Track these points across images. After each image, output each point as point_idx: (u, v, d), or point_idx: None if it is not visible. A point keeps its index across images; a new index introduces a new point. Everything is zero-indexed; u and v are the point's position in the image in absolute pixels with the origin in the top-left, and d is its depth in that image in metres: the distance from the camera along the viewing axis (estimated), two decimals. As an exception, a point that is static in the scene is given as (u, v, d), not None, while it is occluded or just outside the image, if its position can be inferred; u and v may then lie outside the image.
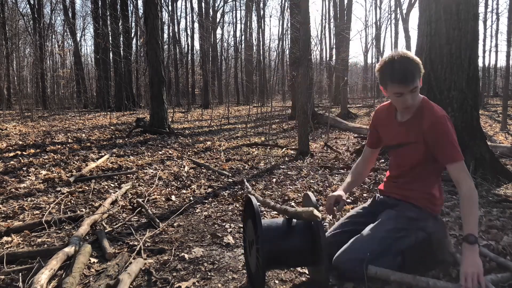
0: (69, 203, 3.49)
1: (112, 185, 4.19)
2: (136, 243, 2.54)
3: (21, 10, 27.98)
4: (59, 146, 6.95)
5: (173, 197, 3.70)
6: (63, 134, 8.84)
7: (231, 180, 4.44)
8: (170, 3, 29.09)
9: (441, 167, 1.90)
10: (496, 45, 30.31)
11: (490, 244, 2.24)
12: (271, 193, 3.81)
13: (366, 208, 2.18)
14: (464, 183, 1.72)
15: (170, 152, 6.52)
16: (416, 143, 1.87)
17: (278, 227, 1.86)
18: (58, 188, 3.98)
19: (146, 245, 2.52)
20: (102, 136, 8.74)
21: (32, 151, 6.31)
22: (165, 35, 28.89)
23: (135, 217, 3.12)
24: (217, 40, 31.71)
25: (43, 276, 1.90)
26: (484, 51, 25.41)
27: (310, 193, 1.92)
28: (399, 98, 1.81)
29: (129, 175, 4.64)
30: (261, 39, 30.85)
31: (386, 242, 1.83)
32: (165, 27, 29.44)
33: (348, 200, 3.44)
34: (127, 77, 20.26)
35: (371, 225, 1.92)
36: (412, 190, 1.97)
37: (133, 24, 24.05)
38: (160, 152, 6.45)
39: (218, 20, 31.99)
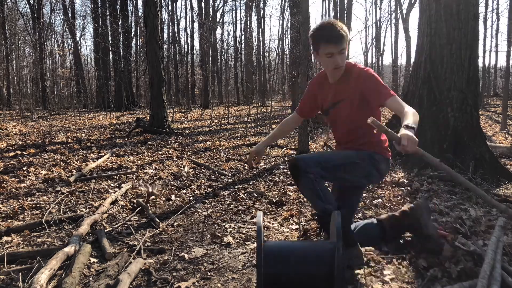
0: (69, 203, 3.49)
1: (112, 185, 4.19)
2: (136, 243, 2.54)
3: (20, 10, 27.95)
4: (59, 146, 6.95)
5: (173, 197, 3.70)
6: (63, 134, 8.83)
7: (231, 180, 4.44)
8: (170, 3, 29.10)
9: (378, 114, 2.13)
10: (496, 45, 30.33)
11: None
12: (271, 193, 3.81)
13: None
14: (404, 107, 1.86)
15: (170, 152, 6.52)
16: (349, 99, 2.11)
17: (289, 249, 1.74)
18: (58, 188, 3.98)
19: (146, 245, 2.52)
20: (102, 136, 8.74)
21: (32, 151, 6.31)
22: (165, 35, 28.88)
23: (135, 217, 3.12)
24: (217, 40, 31.72)
25: (43, 276, 1.90)
26: (484, 51, 25.42)
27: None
28: (330, 59, 2.05)
29: (129, 175, 4.64)
30: (261, 39, 30.87)
31: (345, 160, 2.10)
32: (165, 27, 29.42)
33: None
34: (127, 77, 20.23)
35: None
36: (361, 144, 2.17)
37: (133, 24, 24.04)
38: (160, 152, 6.44)
39: (218, 20, 32.00)
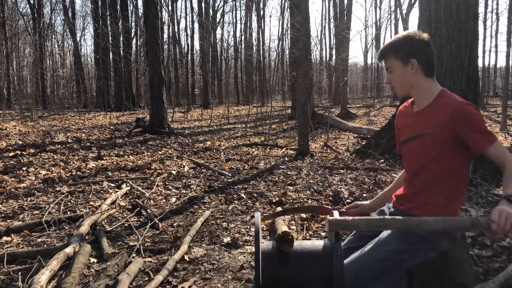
0: (69, 203, 3.49)
1: (112, 185, 4.19)
2: (135, 243, 2.54)
3: (21, 10, 27.98)
4: (59, 146, 6.95)
5: (172, 197, 3.70)
6: (62, 134, 8.83)
7: (231, 180, 4.44)
8: (170, 3, 29.11)
9: (465, 164, 1.61)
10: (496, 45, 30.43)
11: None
12: (271, 193, 3.81)
13: None
14: (507, 161, 1.52)
15: (170, 152, 6.52)
16: (431, 134, 1.59)
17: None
18: (58, 188, 3.98)
19: (146, 245, 2.52)
20: (102, 136, 8.74)
21: (32, 151, 6.31)
22: (165, 35, 28.89)
23: (135, 217, 3.12)
24: (217, 40, 31.73)
25: (44, 276, 1.90)
26: (484, 51, 25.46)
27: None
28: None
29: (129, 175, 4.64)
30: (261, 39, 30.85)
31: (387, 264, 1.56)
32: (165, 27, 29.41)
33: (348, 200, 3.44)
34: (127, 77, 20.24)
35: (372, 243, 1.63)
36: (428, 199, 1.62)
37: (133, 24, 24.04)
38: (160, 152, 6.44)
39: (218, 20, 32.00)
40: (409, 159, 1.72)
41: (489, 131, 1.52)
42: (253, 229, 2.82)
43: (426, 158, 1.61)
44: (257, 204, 3.49)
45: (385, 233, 1.64)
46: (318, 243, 1.63)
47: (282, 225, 2.56)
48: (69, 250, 2.25)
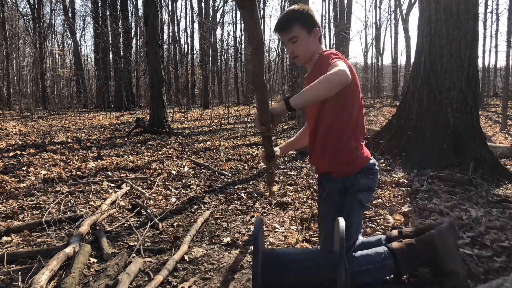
0: (69, 203, 3.49)
1: (112, 185, 4.18)
2: (135, 243, 2.54)
3: (21, 10, 27.97)
4: (59, 146, 6.95)
5: (172, 197, 3.70)
6: (62, 134, 8.83)
7: (231, 180, 4.44)
8: (170, 3, 29.11)
9: (349, 108, 1.69)
10: (496, 46, 30.39)
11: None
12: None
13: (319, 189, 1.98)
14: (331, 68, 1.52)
15: (170, 152, 6.52)
16: None
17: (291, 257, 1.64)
18: (58, 188, 3.98)
19: (146, 245, 2.52)
20: (102, 136, 8.74)
21: (32, 150, 6.31)
22: (165, 35, 28.89)
23: (135, 217, 3.12)
24: (217, 40, 31.73)
25: (44, 276, 1.90)
26: (484, 52, 25.42)
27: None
28: (286, 48, 1.79)
29: (129, 175, 4.64)
30: (261, 39, 30.74)
31: (339, 211, 1.70)
32: (165, 27, 29.41)
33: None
34: (127, 77, 20.23)
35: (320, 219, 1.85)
36: (324, 157, 1.76)
37: (133, 24, 24.03)
38: (160, 152, 6.44)
39: (218, 20, 32.00)
40: (307, 120, 1.92)
41: (333, 58, 1.61)
42: (253, 229, 2.82)
43: (314, 111, 1.77)
44: (257, 204, 3.49)
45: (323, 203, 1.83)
46: (320, 253, 1.62)
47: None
48: (69, 250, 2.25)
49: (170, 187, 4.10)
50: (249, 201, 3.56)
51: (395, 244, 1.82)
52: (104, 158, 5.79)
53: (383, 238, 1.97)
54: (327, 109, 1.72)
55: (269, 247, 2.48)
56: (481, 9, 24.55)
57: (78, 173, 4.71)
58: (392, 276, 1.85)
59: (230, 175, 4.68)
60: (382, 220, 2.89)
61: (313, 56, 1.78)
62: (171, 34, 29.39)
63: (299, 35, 1.73)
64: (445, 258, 1.73)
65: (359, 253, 1.78)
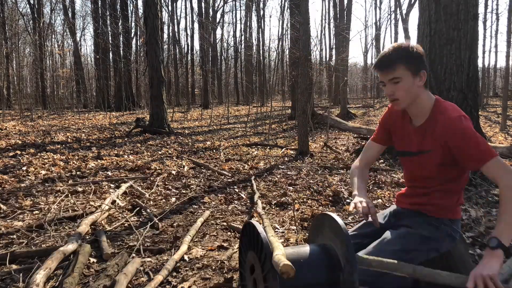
0: (69, 203, 3.49)
1: (112, 185, 4.18)
2: (135, 243, 2.54)
3: (21, 10, 27.95)
4: (59, 146, 6.95)
5: (172, 197, 3.70)
6: (62, 134, 8.83)
7: (231, 180, 4.44)
8: (170, 3, 29.12)
9: (464, 174, 1.64)
10: (496, 46, 30.46)
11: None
12: (271, 194, 3.80)
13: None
14: (500, 180, 1.47)
15: (170, 152, 6.52)
16: (432, 151, 1.60)
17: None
18: (58, 188, 3.98)
19: (145, 245, 2.52)
20: (102, 136, 8.74)
21: (32, 150, 6.31)
22: (165, 35, 28.89)
23: (135, 217, 3.12)
24: (217, 40, 31.72)
25: (38, 276, 1.90)
26: (483, 52, 25.44)
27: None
28: (384, 88, 1.62)
29: (128, 175, 4.64)
30: (261, 39, 30.83)
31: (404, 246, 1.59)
32: (165, 27, 29.43)
33: (348, 200, 3.44)
34: (127, 77, 20.23)
35: (376, 242, 1.64)
36: (430, 200, 1.68)
37: (133, 24, 24.03)
38: (160, 152, 6.44)
39: (218, 20, 31.99)
40: (411, 170, 1.73)
41: (484, 148, 1.48)
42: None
43: (428, 171, 1.64)
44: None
45: (389, 233, 1.66)
46: (308, 248, 1.55)
47: (278, 249, 2.12)
48: (64, 248, 2.24)
49: (170, 187, 4.10)
50: (249, 201, 3.56)
51: None
52: (104, 158, 5.79)
53: None
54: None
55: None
56: (481, 9, 24.59)
57: (78, 173, 4.71)
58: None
59: (230, 175, 4.68)
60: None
61: (415, 102, 1.61)
62: (171, 34, 29.42)
63: (402, 76, 1.55)
64: (462, 269, 1.69)
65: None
